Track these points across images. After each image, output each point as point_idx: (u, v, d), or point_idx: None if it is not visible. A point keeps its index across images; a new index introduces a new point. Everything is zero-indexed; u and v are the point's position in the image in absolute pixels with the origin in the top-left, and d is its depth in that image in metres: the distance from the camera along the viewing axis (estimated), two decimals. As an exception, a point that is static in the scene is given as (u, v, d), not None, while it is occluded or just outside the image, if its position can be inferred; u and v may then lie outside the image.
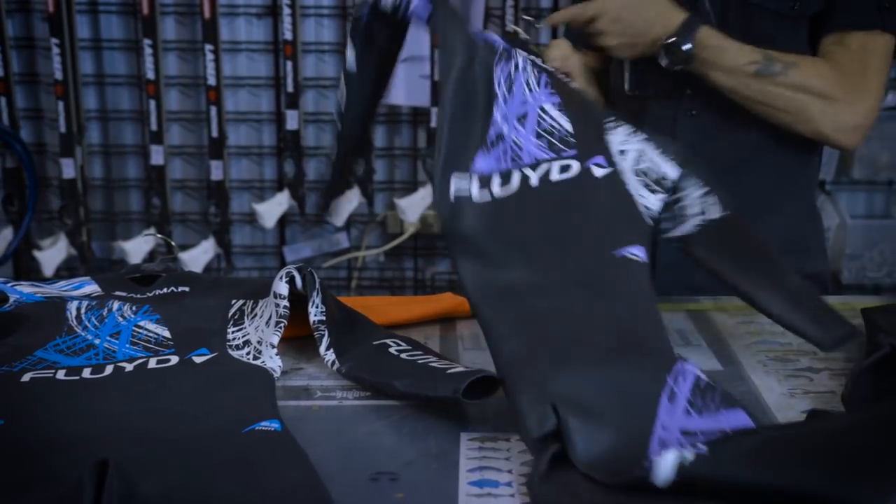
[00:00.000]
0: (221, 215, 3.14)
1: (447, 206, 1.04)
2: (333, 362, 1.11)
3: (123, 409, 0.97)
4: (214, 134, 3.08)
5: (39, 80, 3.16)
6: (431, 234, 3.22)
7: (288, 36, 3.02)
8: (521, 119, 1.12)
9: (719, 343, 1.26)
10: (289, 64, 3.04)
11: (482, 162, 1.09)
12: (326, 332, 1.13)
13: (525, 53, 1.19)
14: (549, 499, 0.83)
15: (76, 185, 3.06)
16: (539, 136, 1.13)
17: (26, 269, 3.15)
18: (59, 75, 2.95)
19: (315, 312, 1.13)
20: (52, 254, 3.11)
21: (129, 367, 1.07)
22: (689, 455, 0.75)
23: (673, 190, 1.15)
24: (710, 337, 1.28)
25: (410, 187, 3.18)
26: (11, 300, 1.20)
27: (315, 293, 1.14)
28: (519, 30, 1.34)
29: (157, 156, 3.10)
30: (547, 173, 1.10)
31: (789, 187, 1.63)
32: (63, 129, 3.00)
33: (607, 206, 1.10)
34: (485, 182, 1.08)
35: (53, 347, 1.09)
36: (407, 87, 3.04)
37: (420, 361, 1.06)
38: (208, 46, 3.00)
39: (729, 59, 1.46)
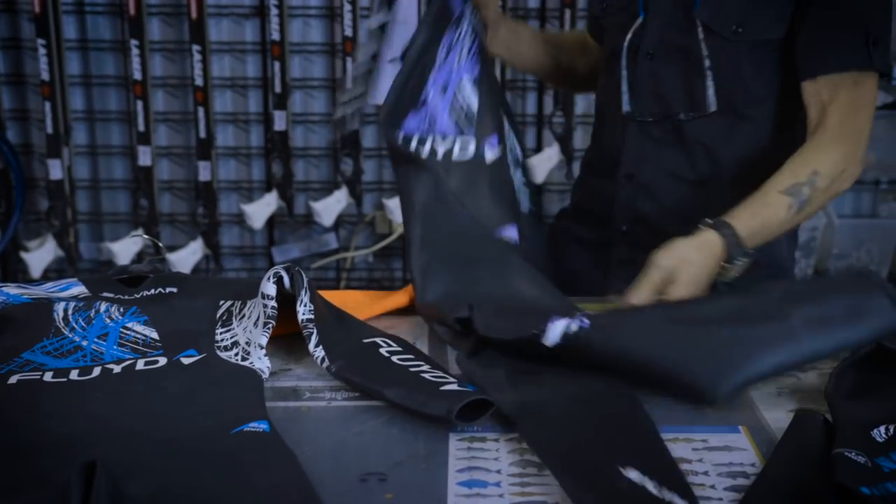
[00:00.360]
0: (209, 216, 3.13)
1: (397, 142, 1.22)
2: (323, 359, 1.11)
3: (111, 410, 0.97)
4: (202, 135, 3.07)
5: (26, 81, 3.15)
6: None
7: (276, 36, 3.02)
8: (444, 89, 1.24)
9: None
10: (276, 64, 3.04)
11: (412, 121, 1.23)
12: (315, 330, 1.12)
13: (471, 18, 1.34)
14: (475, 372, 1.08)
15: (63, 185, 3.05)
16: (451, 112, 1.24)
17: (14, 270, 3.14)
18: (45, 76, 2.95)
19: (303, 311, 1.13)
20: (39, 255, 3.10)
21: (116, 368, 1.06)
22: (574, 326, 1.06)
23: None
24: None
25: (399, 188, 3.18)
26: (-1, 301, 1.20)
27: (303, 292, 1.13)
28: None
29: (144, 157, 3.09)
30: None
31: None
32: (50, 129, 2.99)
33: (492, 190, 1.25)
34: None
35: (40, 349, 1.09)
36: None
37: (412, 369, 1.06)
38: (196, 47, 2.99)
39: (774, 224, 1.39)
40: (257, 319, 1.14)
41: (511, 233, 1.19)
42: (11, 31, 3.11)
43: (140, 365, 1.08)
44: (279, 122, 3.09)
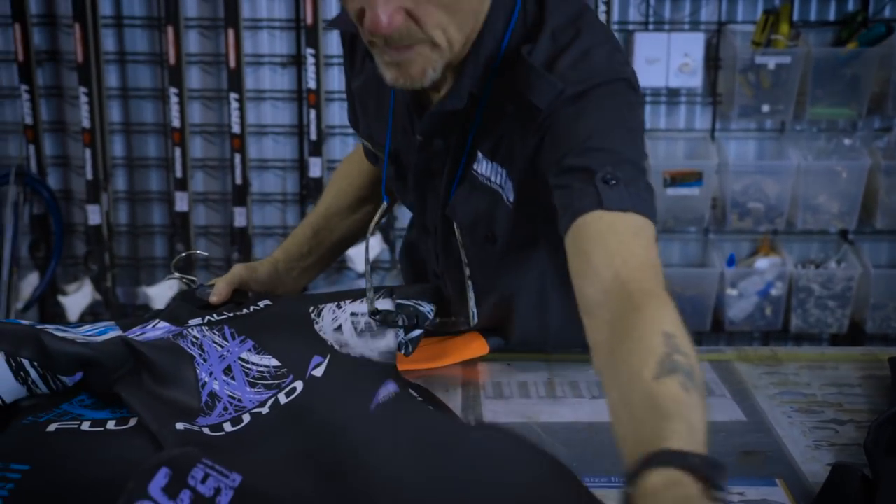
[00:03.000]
0: (244, 261, 3.15)
1: (170, 436, 1.01)
2: None
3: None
4: (238, 181, 3.11)
5: (67, 128, 3.21)
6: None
7: (312, 85, 3.06)
8: (227, 371, 1.14)
9: (743, 394, 1.26)
10: (312, 112, 3.08)
11: (204, 420, 1.08)
12: None
13: (197, 321, 1.23)
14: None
15: (102, 230, 3.09)
16: (252, 384, 1.14)
17: (51, 313, 3.17)
18: (86, 123, 3.00)
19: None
20: (76, 299, 3.13)
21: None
22: None
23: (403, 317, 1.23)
24: (733, 388, 1.28)
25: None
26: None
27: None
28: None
29: (181, 202, 3.13)
30: (276, 402, 1.10)
31: None
32: (90, 175, 3.04)
33: (343, 383, 1.13)
34: (216, 428, 1.06)
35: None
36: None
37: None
38: (233, 95, 3.04)
39: (692, 417, 0.87)
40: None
41: (388, 388, 1.11)
42: (54, 80, 3.17)
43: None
44: (314, 168, 3.12)
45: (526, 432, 1.13)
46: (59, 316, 3.11)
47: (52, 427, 1.01)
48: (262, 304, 1.31)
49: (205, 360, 1.15)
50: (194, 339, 1.17)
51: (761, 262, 3.21)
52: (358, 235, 1.61)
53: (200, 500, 0.78)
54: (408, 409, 1.02)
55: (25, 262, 3.13)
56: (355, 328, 1.21)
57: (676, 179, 3.09)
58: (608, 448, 1.11)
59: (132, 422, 1.05)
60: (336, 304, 1.26)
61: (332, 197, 1.59)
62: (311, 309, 1.24)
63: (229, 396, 1.12)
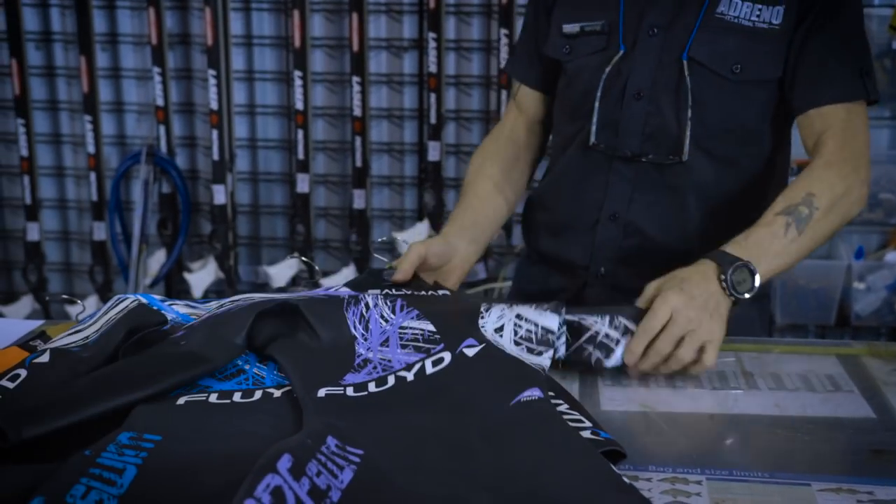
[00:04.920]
0: (362, 243, 3.20)
1: (311, 403, 1.04)
2: None
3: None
4: (358, 163, 3.15)
5: (195, 110, 3.30)
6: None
7: (432, 69, 3.07)
8: (384, 343, 1.18)
9: (872, 390, 1.21)
10: (432, 96, 3.09)
11: (353, 377, 1.11)
12: None
13: (376, 292, 1.29)
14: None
15: (226, 210, 3.17)
16: (404, 346, 1.17)
17: (177, 290, 3.28)
18: (214, 105, 3.08)
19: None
20: (201, 276, 3.23)
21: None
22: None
23: (559, 338, 1.22)
24: (862, 383, 1.24)
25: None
26: (169, 319, 1.25)
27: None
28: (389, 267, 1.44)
29: (302, 184, 3.19)
30: (422, 369, 1.12)
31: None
32: (216, 156, 3.12)
33: (490, 372, 1.11)
34: (360, 388, 1.09)
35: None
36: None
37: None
38: (356, 78, 3.08)
39: (772, 243, 1.34)
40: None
41: (534, 392, 1.08)
42: (184, 63, 3.27)
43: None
44: (433, 152, 3.14)
45: (644, 422, 1.12)
46: (184, 292, 3.22)
47: (181, 400, 1.05)
48: (440, 292, 1.37)
49: (365, 340, 1.19)
50: (363, 315, 1.21)
51: (891, 256, 3.10)
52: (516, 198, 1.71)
53: (316, 490, 0.80)
54: (545, 417, 1.02)
55: (154, 239, 3.24)
56: (515, 332, 1.20)
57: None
58: (729, 440, 1.09)
59: (257, 395, 1.08)
60: (509, 304, 1.25)
61: (483, 179, 1.66)
62: (484, 306, 1.24)
63: (380, 359, 1.16)
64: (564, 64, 1.61)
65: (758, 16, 1.47)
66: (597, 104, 1.53)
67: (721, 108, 1.50)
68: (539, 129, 1.73)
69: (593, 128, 1.54)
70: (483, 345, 1.15)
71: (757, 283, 1.29)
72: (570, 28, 1.58)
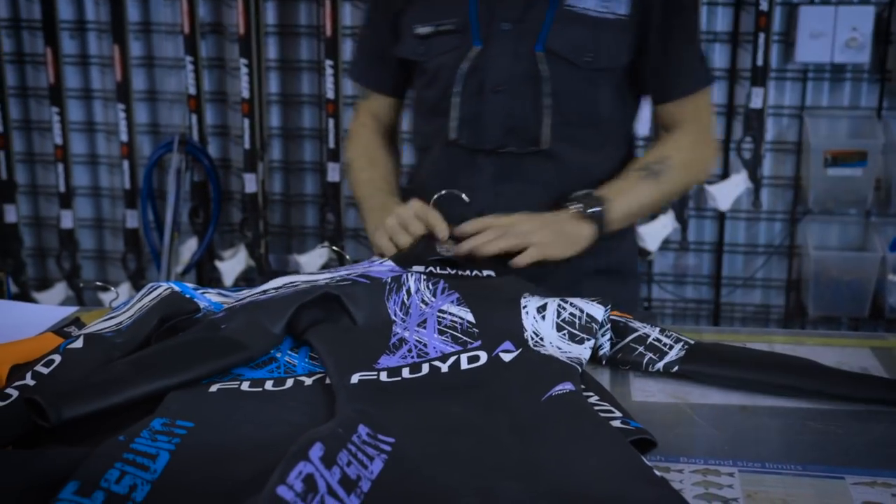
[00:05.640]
0: (392, 232, 3.19)
1: (343, 390, 1.03)
2: None
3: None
4: (389, 153, 3.14)
5: (227, 99, 3.32)
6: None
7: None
8: (422, 324, 1.18)
9: (907, 383, 1.20)
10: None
11: (387, 360, 1.12)
12: None
13: (419, 274, 1.28)
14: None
15: (257, 199, 3.19)
16: (441, 332, 1.17)
17: (208, 277, 3.30)
18: (246, 94, 3.09)
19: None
20: (232, 264, 3.25)
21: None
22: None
23: (603, 331, 1.21)
24: (896, 376, 1.22)
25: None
26: (201, 307, 1.26)
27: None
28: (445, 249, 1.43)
29: (333, 173, 3.20)
30: (456, 363, 1.11)
31: None
32: (247, 145, 3.14)
33: (524, 374, 1.09)
34: (394, 373, 1.08)
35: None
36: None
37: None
38: (386, 68, 3.07)
39: (631, 190, 1.56)
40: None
41: (566, 386, 1.07)
42: (217, 52, 3.28)
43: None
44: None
45: (676, 413, 1.12)
46: (215, 280, 3.24)
47: (214, 388, 1.05)
48: (485, 272, 1.37)
49: (403, 321, 1.20)
50: (404, 302, 1.22)
51: (927, 248, 3.06)
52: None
53: (347, 480, 0.80)
54: (576, 409, 1.02)
55: (185, 227, 3.26)
56: (558, 314, 1.19)
57: (838, 159, 2.97)
58: (761, 432, 1.08)
59: (289, 383, 1.08)
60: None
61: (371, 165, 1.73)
62: (527, 293, 1.24)
63: (416, 341, 1.16)
64: (422, 64, 1.64)
65: (605, 6, 1.56)
66: (457, 100, 1.57)
67: (577, 96, 1.58)
68: (392, 138, 1.79)
69: (454, 124, 1.58)
70: (520, 350, 1.14)
71: (607, 205, 1.50)
72: (424, 29, 1.61)
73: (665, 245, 3.19)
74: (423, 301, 1.23)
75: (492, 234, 1.42)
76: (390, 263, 1.36)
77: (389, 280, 1.25)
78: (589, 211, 1.50)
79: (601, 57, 1.56)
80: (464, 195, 1.51)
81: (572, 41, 1.55)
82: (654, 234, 3.11)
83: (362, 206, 1.69)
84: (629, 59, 1.59)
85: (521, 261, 1.41)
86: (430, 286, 1.25)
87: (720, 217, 3.19)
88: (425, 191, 1.59)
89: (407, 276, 1.27)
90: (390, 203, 1.60)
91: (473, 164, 1.60)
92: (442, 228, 1.44)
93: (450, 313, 1.20)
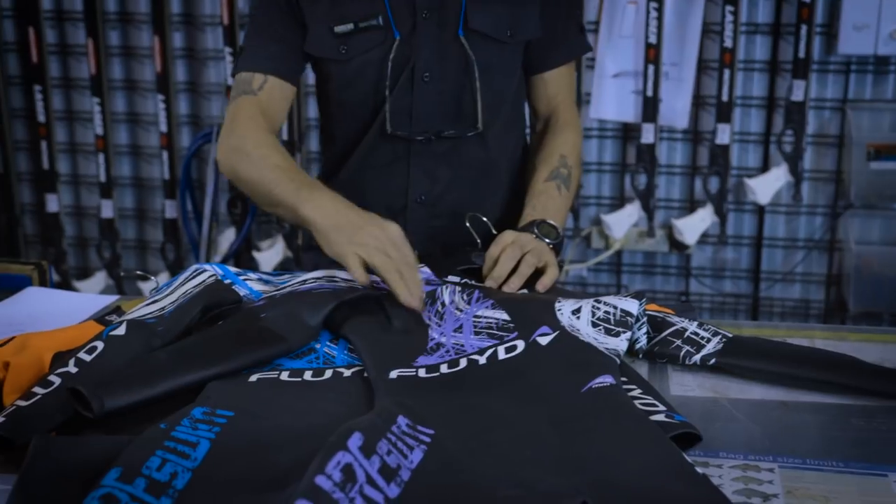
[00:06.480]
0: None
1: (382, 384, 1.05)
2: None
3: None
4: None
5: (266, 90, 3.31)
6: (635, 250, 3.19)
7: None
8: (458, 329, 1.19)
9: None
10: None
11: (425, 359, 1.13)
12: None
13: (453, 285, 1.31)
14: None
15: (295, 190, 3.19)
16: (477, 333, 1.18)
17: (245, 268, 3.31)
18: (284, 85, 3.09)
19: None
20: (269, 255, 3.27)
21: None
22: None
23: (639, 325, 1.21)
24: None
25: (617, 203, 3.15)
26: (242, 296, 1.27)
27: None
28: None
29: (371, 164, 3.19)
30: (494, 354, 1.12)
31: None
32: (285, 136, 3.15)
33: (563, 359, 1.10)
34: (432, 369, 1.09)
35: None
36: (617, 102, 3.02)
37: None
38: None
39: (555, 205, 1.59)
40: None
41: (606, 379, 1.05)
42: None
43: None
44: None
45: (715, 407, 1.11)
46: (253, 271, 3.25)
47: (253, 377, 1.06)
48: (520, 291, 1.37)
49: (439, 326, 1.21)
50: (438, 310, 1.24)
51: (971, 243, 3.02)
52: None
53: (387, 469, 0.81)
54: (616, 405, 1.01)
55: (223, 217, 3.28)
56: (593, 314, 1.19)
57: (882, 152, 2.93)
58: (801, 428, 1.07)
59: (328, 374, 1.09)
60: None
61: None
62: (559, 299, 1.25)
63: (454, 343, 1.17)
64: (345, 63, 1.59)
65: None
66: (387, 93, 1.57)
67: (503, 71, 1.62)
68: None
69: (389, 117, 1.57)
70: (557, 332, 1.14)
71: (560, 231, 1.53)
72: (343, 28, 1.58)
73: (703, 239, 3.16)
74: (457, 309, 1.23)
75: (509, 259, 1.41)
76: (427, 270, 1.36)
77: (424, 295, 1.26)
78: (553, 242, 1.50)
79: (519, 31, 1.60)
80: (484, 218, 1.54)
81: (491, 18, 1.58)
82: (693, 227, 3.08)
83: (278, 188, 1.47)
84: (541, 32, 1.62)
85: (549, 283, 1.42)
86: (465, 297, 1.26)
87: (759, 211, 3.16)
88: (364, 184, 1.63)
89: (441, 289, 1.28)
90: (319, 184, 1.50)
91: (409, 154, 1.61)
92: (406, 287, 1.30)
93: (485, 317, 1.21)
